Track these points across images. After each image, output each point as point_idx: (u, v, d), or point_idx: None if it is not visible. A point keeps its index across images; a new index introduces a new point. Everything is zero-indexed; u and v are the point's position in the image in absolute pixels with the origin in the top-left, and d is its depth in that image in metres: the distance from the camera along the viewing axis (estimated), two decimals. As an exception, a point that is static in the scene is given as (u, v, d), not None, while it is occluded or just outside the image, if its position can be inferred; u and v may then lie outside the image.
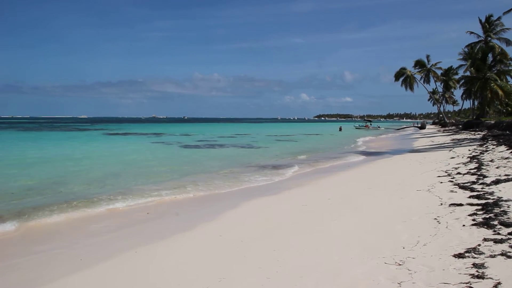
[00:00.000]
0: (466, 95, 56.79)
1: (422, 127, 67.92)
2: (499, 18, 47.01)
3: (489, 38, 48.42)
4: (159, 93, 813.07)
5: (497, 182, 9.19)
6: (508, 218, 6.11)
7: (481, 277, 4.16)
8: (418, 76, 64.55)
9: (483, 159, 14.12)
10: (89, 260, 6.13)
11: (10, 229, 7.96)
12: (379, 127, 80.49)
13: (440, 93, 74.69)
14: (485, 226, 5.85)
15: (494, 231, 5.60)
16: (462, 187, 9.28)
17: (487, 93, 43.56)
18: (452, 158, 16.20)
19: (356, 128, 76.89)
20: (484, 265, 4.45)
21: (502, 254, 4.69)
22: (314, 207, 9.03)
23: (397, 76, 63.90)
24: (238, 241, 6.62)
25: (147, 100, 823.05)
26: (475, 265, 4.47)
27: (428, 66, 65.08)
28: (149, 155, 23.84)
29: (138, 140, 39.52)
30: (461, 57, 54.48)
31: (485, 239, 5.29)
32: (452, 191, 8.98)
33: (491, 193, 8.06)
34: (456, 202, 7.68)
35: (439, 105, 74.73)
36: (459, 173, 11.59)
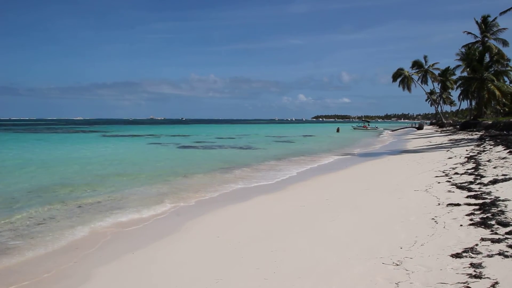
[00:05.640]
0: (464, 95, 56.89)
1: (420, 127, 67.91)
2: (495, 18, 47.12)
3: (486, 39, 48.48)
4: (155, 95, 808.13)
5: (494, 182, 9.20)
6: (506, 217, 6.11)
7: (478, 276, 4.16)
8: (415, 77, 64.66)
9: (481, 159, 14.14)
10: (89, 263, 6.12)
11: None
12: (377, 127, 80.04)
13: (438, 94, 74.80)
14: (483, 226, 5.85)
15: (492, 230, 5.60)
16: (460, 187, 9.28)
17: (484, 94, 43.71)
18: (449, 158, 16.22)
19: (354, 129, 76.12)
20: (482, 264, 4.44)
21: (499, 254, 4.69)
22: (312, 207, 9.03)
23: (395, 76, 64.01)
24: (235, 242, 6.61)
25: (144, 101, 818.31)
26: (472, 265, 4.46)
27: (426, 66, 65.26)
28: (149, 157, 23.83)
29: (136, 142, 39.48)
30: (458, 58, 54.72)
31: (482, 239, 5.29)
32: (449, 191, 8.99)
33: (489, 193, 8.06)
34: (453, 202, 7.68)
35: (436, 106, 74.87)
36: (456, 173, 11.61)
